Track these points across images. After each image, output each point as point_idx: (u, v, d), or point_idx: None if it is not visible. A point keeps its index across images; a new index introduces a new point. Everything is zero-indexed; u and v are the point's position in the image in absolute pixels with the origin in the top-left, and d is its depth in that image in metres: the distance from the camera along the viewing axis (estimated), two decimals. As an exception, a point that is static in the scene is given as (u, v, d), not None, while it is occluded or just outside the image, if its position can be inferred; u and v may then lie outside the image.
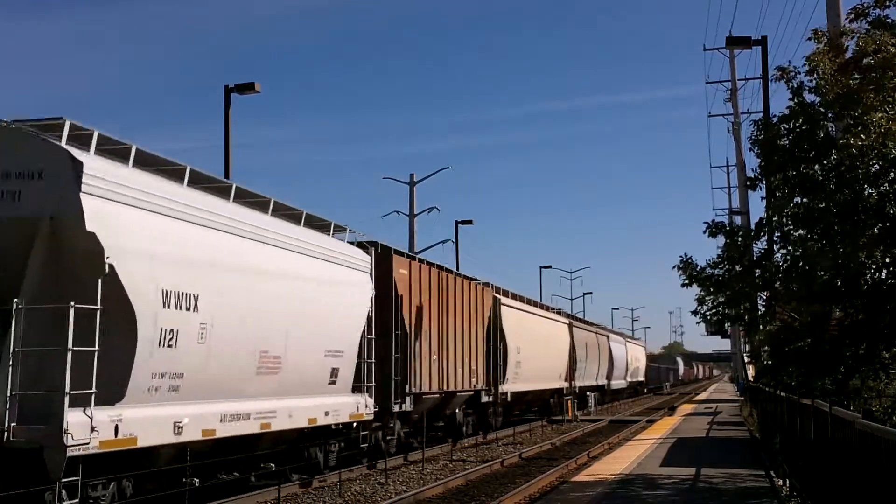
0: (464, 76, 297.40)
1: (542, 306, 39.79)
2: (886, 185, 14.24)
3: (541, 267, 67.77)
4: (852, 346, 15.14)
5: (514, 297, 33.99)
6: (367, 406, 18.21)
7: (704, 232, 17.24)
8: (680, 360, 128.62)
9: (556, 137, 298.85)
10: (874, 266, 14.79)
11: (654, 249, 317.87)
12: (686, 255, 17.46)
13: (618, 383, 59.64)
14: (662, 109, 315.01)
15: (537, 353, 34.69)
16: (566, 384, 41.26)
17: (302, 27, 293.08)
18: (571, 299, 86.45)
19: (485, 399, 28.00)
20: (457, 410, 26.87)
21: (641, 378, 75.36)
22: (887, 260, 14.55)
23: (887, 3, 14.86)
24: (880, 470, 7.51)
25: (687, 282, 17.43)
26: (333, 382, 16.65)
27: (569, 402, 40.64)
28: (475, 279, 28.82)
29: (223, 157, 24.04)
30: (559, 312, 45.11)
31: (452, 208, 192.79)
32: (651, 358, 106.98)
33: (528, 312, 35.27)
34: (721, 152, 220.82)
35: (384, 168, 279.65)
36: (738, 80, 48.13)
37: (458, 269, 35.51)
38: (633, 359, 67.75)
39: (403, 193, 43.84)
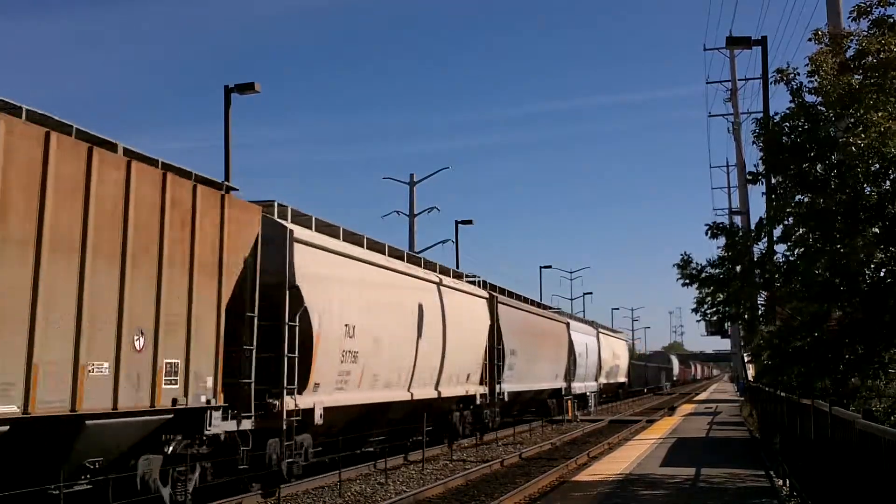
0: (464, 76, 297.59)
1: (425, 263, 24.63)
2: (887, 184, 14.23)
3: (541, 267, 67.55)
4: (852, 345, 15.13)
5: (340, 235, 19.05)
6: None
7: (706, 234, 17.27)
8: (674, 359, 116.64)
9: (556, 137, 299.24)
10: (874, 265, 14.78)
11: (654, 249, 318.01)
12: (686, 253, 17.52)
13: (584, 386, 45.48)
14: (662, 109, 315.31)
15: (409, 337, 21.24)
16: (482, 388, 27.23)
17: (302, 27, 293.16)
18: (571, 299, 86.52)
19: (215, 427, 13.32)
20: (142, 459, 12.38)
21: (623, 379, 62.22)
22: (887, 259, 14.53)
23: (891, 2, 14.84)
24: (880, 470, 7.50)
25: (686, 281, 17.46)
26: None
27: (569, 402, 40.49)
28: (221, 186, 14.11)
29: (223, 157, 24.04)
30: (474, 281, 29.85)
31: (452, 208, 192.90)
32: (641, 356, 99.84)
33: (384, 268, 20.34)
34: (721, 152, 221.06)
35: (384, 168, 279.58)
36: (738, 80, 48.17)
37: (457, 265, 35.05)
38: (609, 355, 54.89)
39: (403, 193, 43.78)
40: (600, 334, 52.63)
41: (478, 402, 27.16)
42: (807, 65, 15.50)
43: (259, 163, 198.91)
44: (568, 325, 42.57)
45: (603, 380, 52.48)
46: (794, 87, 15.57)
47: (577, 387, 43.47)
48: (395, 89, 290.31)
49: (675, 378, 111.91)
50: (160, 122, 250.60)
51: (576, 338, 43.43)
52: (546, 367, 36.55)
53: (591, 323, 54.14)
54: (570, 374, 41.07)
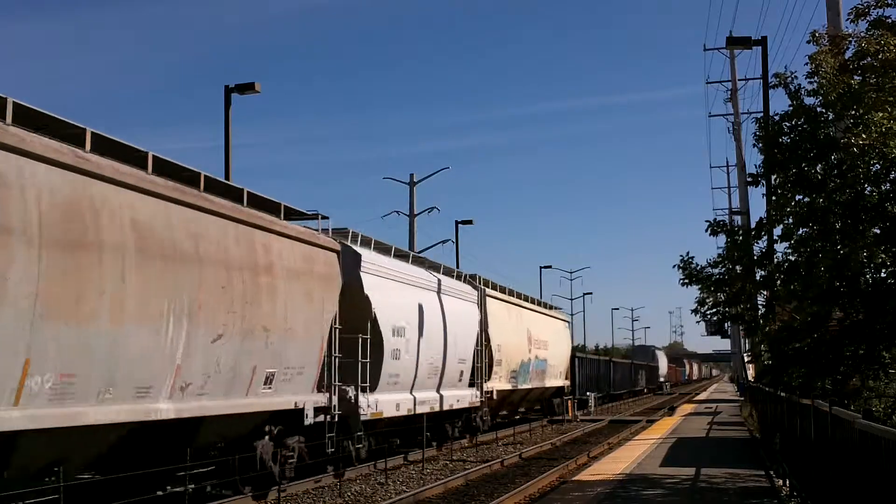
0: (464, 76, 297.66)
1: None
2: (887, 184, 14.24)
3: (541, 267, 67.07)
4: (852, 346, 15.14)
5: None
6: None
7: (706, 231, 17.26)
8: (661, 356, 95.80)
9: (556, 137, 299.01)
10: (874, 266, 14.79)
11: (654, 249, 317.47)
12: (687, 253, 17.54)
13: (415, 399, 21.49)
14: (662, 109, 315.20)
15: None
16: None
17: (302, 27, 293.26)
18: (571, 299, 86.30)
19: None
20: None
21: (558, 382, 38.11)
22: (888, 260, 14.54)
23: (889, 3, 14.85)
24: (880, 470, 7.51)
25: (686, 281, 17.47)
26: None
27: (569, 402, 40.36)
28: None
29: (223, 157, 24.01)
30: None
31: (452, 208, 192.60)
32: (608, 353, 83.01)
33: None
34: (721, 152, 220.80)
35: (384, 168, 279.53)
36: (738, 80, 48.10)
37: (457, 265, 34.53)
38: (517, 340, 31.17)
39: (403, 193, 43.62)
40: (489, 298, 28.35)
41: None
42: (806, 64, 15.54)
43: (259, 163, 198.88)
44: (348, 255, 18.16)
45: (501, 384, 29.02)
46: (793, 89, 15.60)
47: (388, 400, 19.76)
48: (396, 89, 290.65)
49: (661, 379, 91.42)
50: (160, 122, 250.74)
51: (382, 293, 19.67)
52: (213, 352, 12.78)
53: (465, 278, 28.02)
54: (348, 376, 17.81)
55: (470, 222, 45.23)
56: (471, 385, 26.23)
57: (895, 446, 6.99)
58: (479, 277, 29.04)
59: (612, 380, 58.90)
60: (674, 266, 17.56)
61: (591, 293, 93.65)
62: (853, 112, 14.28)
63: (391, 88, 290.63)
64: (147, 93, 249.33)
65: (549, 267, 71.64)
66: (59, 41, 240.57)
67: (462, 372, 25.32)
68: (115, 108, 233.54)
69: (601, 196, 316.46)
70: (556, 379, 38.17)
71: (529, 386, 33.10)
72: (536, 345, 33.99)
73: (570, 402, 40.31)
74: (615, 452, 23.26)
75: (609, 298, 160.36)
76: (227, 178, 22.59)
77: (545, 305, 39.03)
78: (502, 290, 31.43)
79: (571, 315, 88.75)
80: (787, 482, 15.81)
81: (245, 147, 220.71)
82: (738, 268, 17.81)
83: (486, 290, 28.61)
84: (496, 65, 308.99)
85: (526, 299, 34.86)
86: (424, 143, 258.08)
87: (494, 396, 28.23)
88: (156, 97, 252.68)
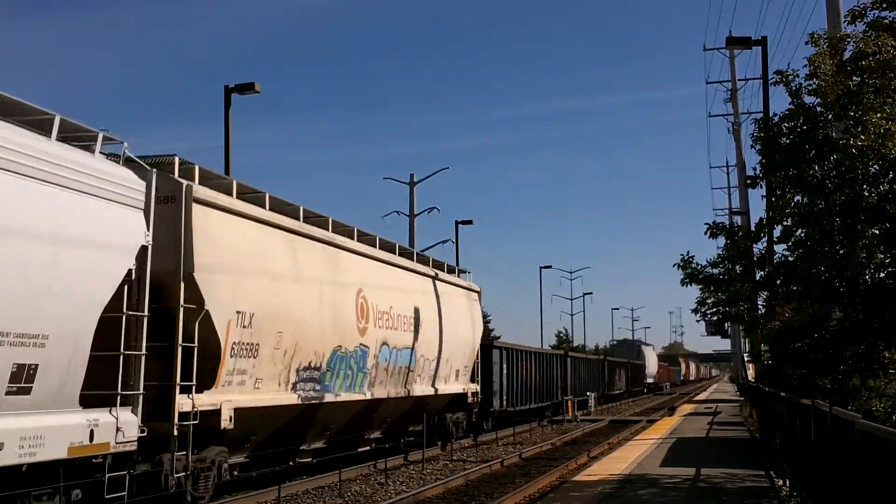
0: (465, 76, 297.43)
1: None
2: (886, 185, 14.25)
3: (541, 267, 66.73)
4: (852, 345, 15.17)
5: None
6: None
7: (705, 233, 17.29)
8: (648, 353, 79.85)
9: (556, 138, 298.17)
10: (873, 266, 14.81)
11: (654, 249, 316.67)
12: (687, 253, 17.57)
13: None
14: (662, 109, 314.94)
15: None
16: None
17: (302, 27, 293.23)
18: (571, 299, 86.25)
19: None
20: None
21: (457, 387, 24.84)
22: (887, 260, 14.56)
23: (884, 5, 14.87)
24: (880, 470, 7.53)
25: (687, 280, 17.50)
26: None
27: (569, 401, 40.33)
28: None
29: (223, 157, 23.99)
30: None
31: (452, 208, 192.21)
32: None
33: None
34: (721, 152, 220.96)
35: (384, 168, 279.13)
36: (738, 80, 48.13)
37: (457, 264, 34.30)
38: (323, 307, 16.54)
39: (403, 193, 43.44)
40: (206, 208, 13.22)
41: None
42: (804, 66, 15.57)
43: (259, 163, 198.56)
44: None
45: (259, 393, 14.47)
46: (794, 88, 15.62)
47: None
48: (396, 89, 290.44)
49: (650, 380, 76.41)
50: (160, 122, 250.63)
51: None
52: None
53: (117, 156, 11.23)
54: None
55: (470, 222, 45.22)
56: (107, 403, 10.60)
57: (895, 446, 7.01)
58: (187, 164, 13.71)
59: (571, 382, 42.91)
60: (674, 265, 17.61)
61: (591, 293, 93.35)
62: (852, 113, 14.30)
63: (391, 88, 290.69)
64: (147, 93, 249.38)
65: (549, 267, 71.64)
66: (62, 41, 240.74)
67: (27, 369, 9.23)
68: (115, 108, 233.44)
69: (601, 196, 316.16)
70: (446, 382, 24.06)
71: (367, 396, 18.97)
72: (385, 321, 19.78)
73: (570, 401, 40.22)
74: (615, 452, 23.28)
75: (609, 298, 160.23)
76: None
77: (420, 259, 23.58)
78: (278, 205, 16.17)
79: (571, 315, 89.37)
80: (787, 482, 15.83)
81: (245, 147, 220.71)
82: (737, 268, 17.84)
83: (196, 187, 13.32)
84: (497, 64, 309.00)
85: (368, 239, 19.92)
86: (424, 143, 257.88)
87: (228, 423, 13.54)
88: (156, 97, 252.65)
